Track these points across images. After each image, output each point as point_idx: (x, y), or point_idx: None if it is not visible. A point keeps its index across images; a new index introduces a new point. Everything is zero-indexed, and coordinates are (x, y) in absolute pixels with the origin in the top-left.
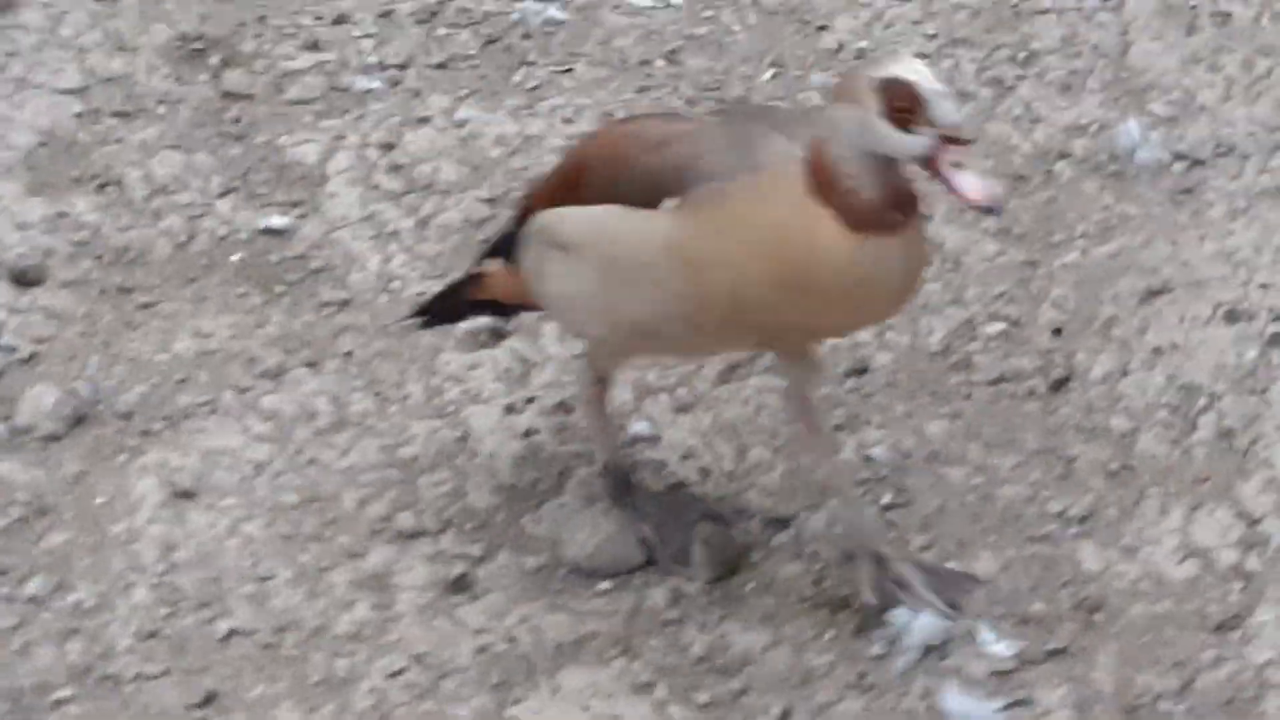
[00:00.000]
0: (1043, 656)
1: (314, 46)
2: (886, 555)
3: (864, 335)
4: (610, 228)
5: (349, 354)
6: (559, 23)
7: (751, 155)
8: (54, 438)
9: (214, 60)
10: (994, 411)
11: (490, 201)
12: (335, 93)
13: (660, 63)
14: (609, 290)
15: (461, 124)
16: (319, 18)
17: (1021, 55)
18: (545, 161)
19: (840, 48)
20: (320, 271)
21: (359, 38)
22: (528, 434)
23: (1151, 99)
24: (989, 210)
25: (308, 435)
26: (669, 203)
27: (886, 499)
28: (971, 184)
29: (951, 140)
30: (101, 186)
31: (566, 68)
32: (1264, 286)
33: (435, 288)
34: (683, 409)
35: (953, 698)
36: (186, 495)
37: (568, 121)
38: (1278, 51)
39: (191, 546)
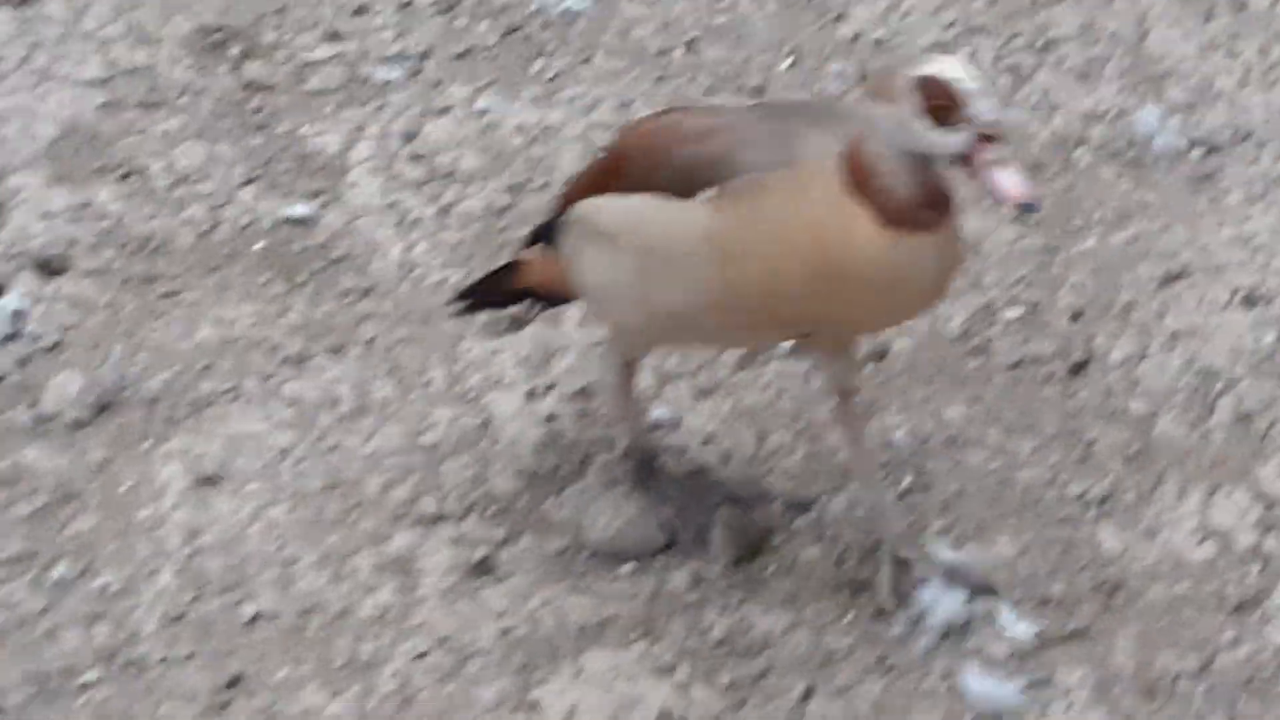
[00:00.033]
0: (1062, 637)
1: (334, 37)
2: (910, 559)
3: None
4: (647, 217)
5: (371, 341)
6: (577, 13)
7: (789, 149)
8: (79, 425)
9: (235, 51)
10: (1013, 395)
11: (510, 190)
12: (356, 83)
13: (678, 52)
14: (644, 279)
15: (481, 113)
16: (339, 8)
17: (1039, 43)
18: (564, 150)
19: (857, 37)
20: (342, 260)
21: (379, 28)
22: (549, 419)
23: (1169, 86)
24: (1027, 208)
25: (331, 421)
26: (706, 193)
27: (906, 483)
28: (1010, 182)
29: (989, 138)
30: (124, 177)
31: (585, 58)
32: None
33: (455, 276)
34: (703, 394)
35: (973, 678)
36: (211, 481)
37: (587, 111)
38: None
39: (216, 531)
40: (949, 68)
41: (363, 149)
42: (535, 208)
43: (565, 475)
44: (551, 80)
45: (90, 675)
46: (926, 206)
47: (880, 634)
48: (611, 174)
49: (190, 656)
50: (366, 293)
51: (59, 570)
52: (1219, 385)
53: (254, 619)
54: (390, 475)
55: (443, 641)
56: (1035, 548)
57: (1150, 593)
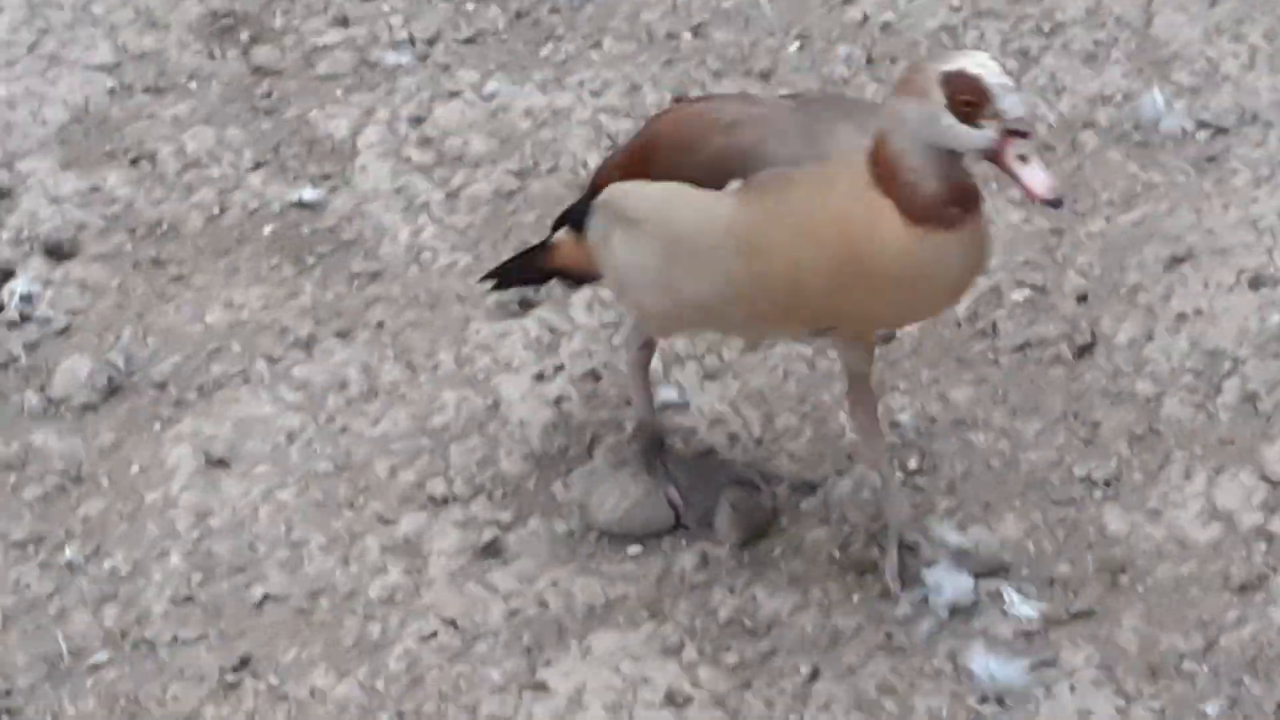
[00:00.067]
0: (1068, 617)
1: (343, 22)
2: (917, 543)
3: None
4: (674, 206)
5: (380, 324)
6: None
7: (818, 143)
8: (89, 408)
9: (244, 36)
10: (1019, 377)
11: (519, 174)
12: (365, 67)
13: (687, 36)
14: (670, 267)
15: (490, 97)
16: None
17: (1046, 26)
18: (573, 134)
19: (865, 20)
20: (351, 243)
21: (388, 13)
22: (557, 401)
23: (1175, 69)
24: (1054, 204)
25: (339, 404)
26: (733, 185)
27: (912, 464)
28: (1037, 178)
29: (1016, 133)
30: (134, 161)
31: (594, 42)
32: None
33: (464, 259)
34: (710, 376)
35: (979, 658)
36: (220, 463)
37: (595, 95)
38: None
39: (225, 514)
40: (977, 62)
41: (371, 133)
42: (544, 191)
43: (573, 457)
44: (560, 64)
45: (100, 656)
46: (953, 203)
47: (886, 614)
48: (642, 160)
49: (199, 638)
50: (375, 276)
51: (69, 552)
52: (1225, 367)
53: (263, 600)
54: (399, 458)
55: (451, 623)
56: (1041, 529)
57: (1155, 573)
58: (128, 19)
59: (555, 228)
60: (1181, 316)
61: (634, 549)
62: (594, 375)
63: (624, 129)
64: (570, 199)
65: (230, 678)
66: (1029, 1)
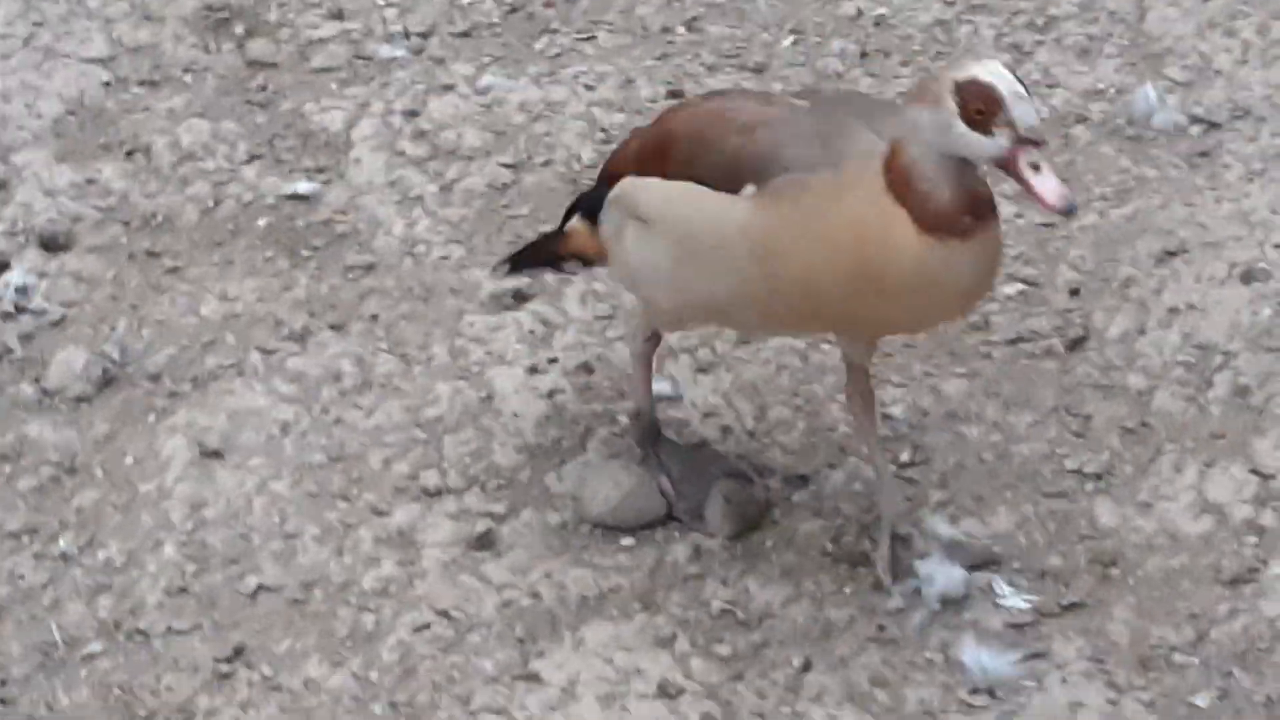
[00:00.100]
0: (1059, 610)
1: (338, 15)
2: (909, 535)
3: None
4: (689, 207)
5: (374, 317)
6: None
7: (834, 148)
8: (84, 399)
9: (239, 29)
10: (1012, 371)
11: (513, 167)
12: (360, 61)
13: (681, 30)
14: (682, 267)
15: (484, 91)
16: None
17: (1040, 21)
18: (567, 128)
19: (859, 14)
20: (345, 236)
21: (382, 6)
22: (550, 394)
23: (1168, 64)
24: (1067, 213)
25: (333, 396)
26: (749, 189)
27: (905, 457)
28: (1049, 187)
29: (1029, 142)
30: (129, 154)
31: (588, 35)
32: (1279, 246)
33: (458, 252)
34: (704, 369)
35: (970, 650)
36: (214, 455)
37: (589, 88)
38: None
39: (220, 505)
40: (990, 71)
41: (366, 126)
42: (538, 184)
43: (566, 450)
44: (554, 58)
45: (94, 647)
46: (967, 212)
47: (878, 606)
48: (657, 155)
49: (194, 628)
50: (369, 269)
51: (63, 543)
52: (1216, 360)
53: (257, 591)
54: (392, 450)
55: (444, 614)
56: (1032, 521)
57: (1146, 566)
58: (123, 12)
59: (567, 216)
60: (1173, 310)
61: (627, 541)
62: (587, 368)
63: (618, 122)
64: (564, 192)
65: (224, 668)
66: None
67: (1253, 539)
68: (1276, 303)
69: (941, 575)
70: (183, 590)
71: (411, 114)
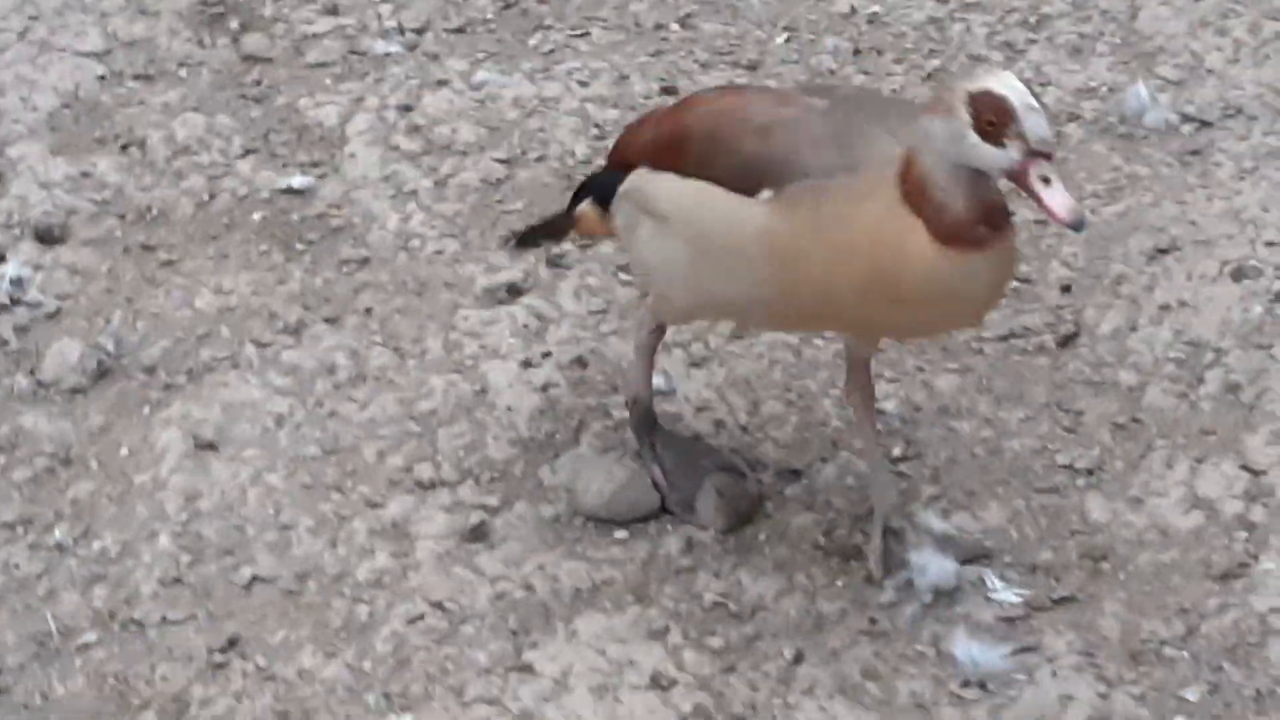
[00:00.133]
0: (1050, 604)
1: (333, 11)
2: (902, 529)
3: None
4: (705, 208)
5: (368, 310)
6: None
7: (851, 153)
8: (78, 391)
9: (234, 24)
10: (1004, 367)
11: (506, 162)
12: (354, 56)
13: (675, 27)
14: (697, 266)
15: (479, 87)
16: None
17: (1032, 19)
18: (561, 123)
19: (853, 12)
20: (340, 230)
21: (377, 2)
22: (544, 388)
23: (1160, 62)
24: (1075, 227)
25: (328, 389)
26: (766, 193)
27: (897, 451)
28: (1058, 200)
29: (1040, 155)
30: (124, 147)
31: (582, 32)
32: (1270, 244)
33: (452, 246)
34: (697, 364)
35: (961, 643)
36: (209, 447)
37: (583, 85)
38: None
39: (214, 496)
40: (1004, 83)
41: (361, 121)
42: (531, 179)
43: (560, 443)
44: (548, 54)
45: (89, 636)
46: (982, 222)
47: (870, 600)
48: (672, 151)
49: (189, 618)
50: (364, 263)
51: (58, 534)
52: (1207, 357)
53: (251, 582)
54: (386, 442)
55: (438, 605)
56: (1024, 516)
57: (1137, 561)
58: (118, 6)
59: (575, 198)
60: (1165, 307)
61: (620, 534)
62: (581, 362)
63: (611, 119)
64: (558, 187)
65: (218, 658)
66: None
67: (1243, 534)
68: (1267, 300)
69: (933, 569)
70: (177, 581)
71: (406, 109)
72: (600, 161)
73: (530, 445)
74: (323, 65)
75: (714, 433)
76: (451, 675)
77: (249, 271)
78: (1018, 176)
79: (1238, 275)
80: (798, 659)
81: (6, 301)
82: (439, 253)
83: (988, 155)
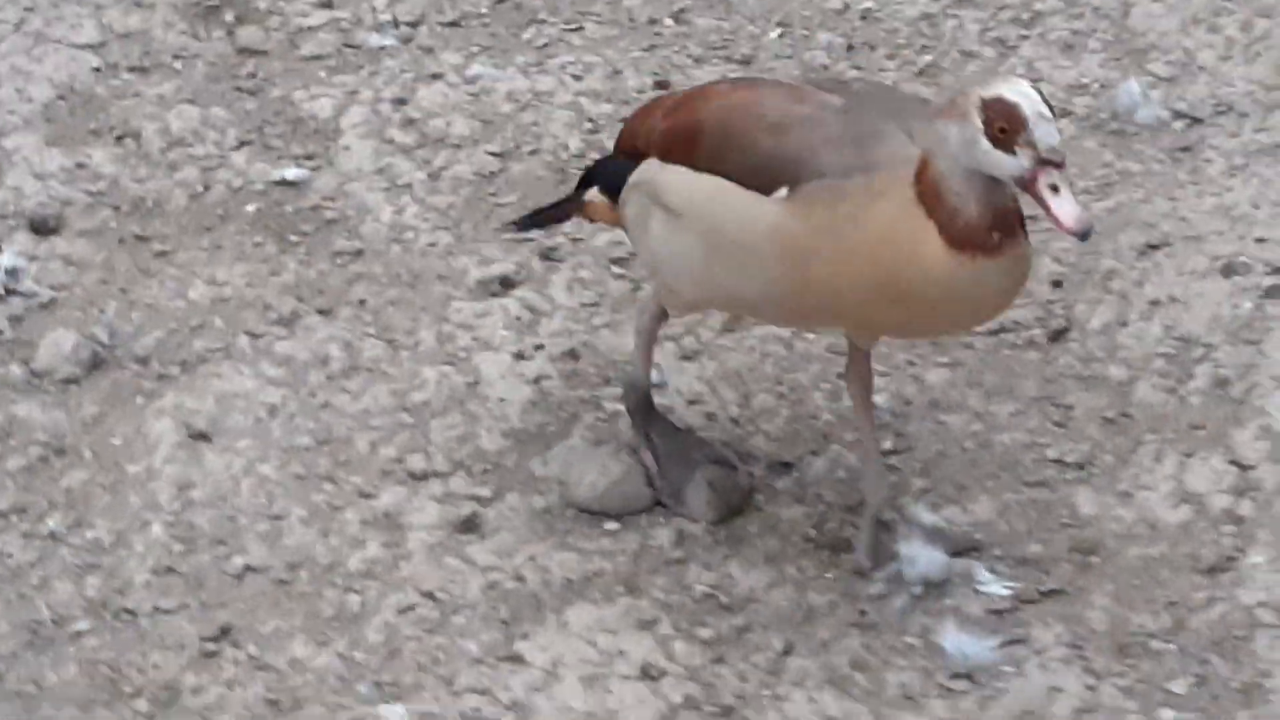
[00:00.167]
0: (1039, 596)
1: (328, 4)
2: (892, 522)
3: None
4: (718, 204)
5: (362, 302)
6: None
7: (867, 153)
8: (72, 381)
9: (229, 17)
10: (994, 361)
11: (500, 156)
12: (349, 49)
13: (668, 21)
14: (708, 261)
15: (473, 80)
16: None
17: (1025, 15)
18: (554, 117)
19: (846, 8)
20: (334, 222)
21: None
22: (536, 380)
23: (1152, 59)
24: (1082, 236)
25: (321, 380)
26: (781, 192)
27: (888, 445)
28: (1066, 209)
29: (1049, 163)
30: (119, 139)
31: (576, 26)
32: (1260, 240)
33: (445, 239)
34: (688, 357)
35: (950, 635)
36: (202, 437)
37: (577, 79)
38: (1276, 13)
39: (207, 486)
40: (1017, 90)
41: (355, 114)
42: (525, 173)
43: (552, 434)
44: (542, 48)
45: (81, 625)
46: (993, 229)
47: (860, 592)
48: (685, 145)
49: (181, 607)
50: (357, 255)
51: (51, 523)
52: (1197, 352)
53: (243, 572)
54: (379, 433)
55: (429, 595)
56: (1013, 509)
57: (1126, 554)
58: None
59: (581, 184)
60: (1155, 303)
61: (611, 525)
62: (573, 355)
63: (605, 113)
64: (551, 181)
65: (210, 647)
66: None
67: (1231, 528)
68: (1256, 296)
69: (923, 562)
70: (170, 570)
71: (400, 102)
72: (593, 155)
73: (522, 437)
74: (317, 58)
75: (705, 425)
76: (442, 665)
77: (243, 263)
78: (1027, 184)
79: (1228, 271)
80: (787, 650)
81: (1, 292)
82: (432, 245)
83: (998, 162)
